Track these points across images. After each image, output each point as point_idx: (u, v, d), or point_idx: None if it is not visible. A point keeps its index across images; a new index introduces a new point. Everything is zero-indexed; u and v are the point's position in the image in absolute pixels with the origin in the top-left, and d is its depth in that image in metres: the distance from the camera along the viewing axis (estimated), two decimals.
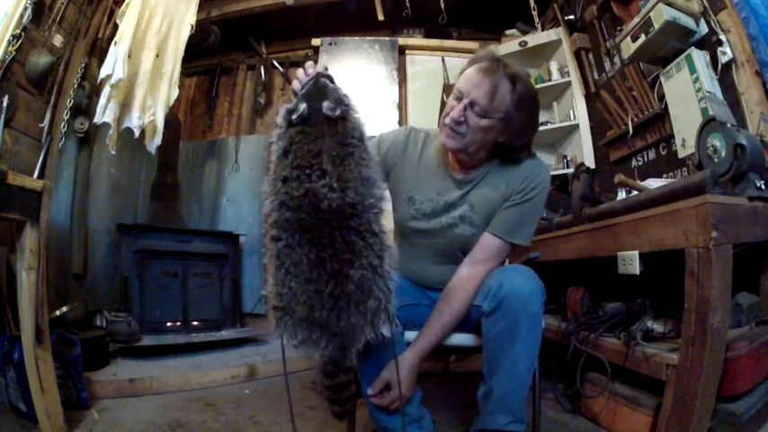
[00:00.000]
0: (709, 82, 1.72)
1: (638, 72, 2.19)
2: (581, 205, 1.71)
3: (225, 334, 2.71)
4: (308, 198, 0.82)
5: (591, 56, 2.71)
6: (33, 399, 1.30)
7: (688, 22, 1.79)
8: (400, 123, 3.22)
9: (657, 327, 1.33)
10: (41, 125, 1.70)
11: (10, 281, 1.56)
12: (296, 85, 0.92)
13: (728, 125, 1.32)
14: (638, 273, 1.28)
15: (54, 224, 2.33)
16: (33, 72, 1.66)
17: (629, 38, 1.96)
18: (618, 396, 1.36)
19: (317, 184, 0.82)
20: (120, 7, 2.10)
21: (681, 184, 1.26)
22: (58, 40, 1.78)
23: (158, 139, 2.29)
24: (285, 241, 0.84)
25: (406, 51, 3.39)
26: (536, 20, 3.05)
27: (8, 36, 1.53)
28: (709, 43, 1.77)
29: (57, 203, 2.46)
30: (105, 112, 2.01)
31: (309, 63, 0.93)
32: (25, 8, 1.58)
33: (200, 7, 2.58)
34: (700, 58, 1.76)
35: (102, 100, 2.01)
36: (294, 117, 0.86)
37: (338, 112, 0.86)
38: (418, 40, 3.46)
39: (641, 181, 1.73)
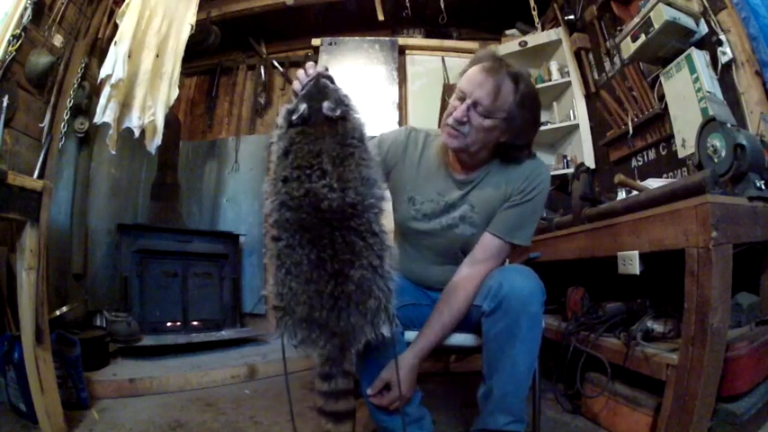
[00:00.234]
0: (709, 82, 1.72)
1: (638, 72, 2.19)
2: (581, 205, 1.71)
3: (225, 334, 2.71)
4: (308, 198, 0.82)
5: (591, 56, 2.71)
6: (33, 399, 1.30)
7: (688, 22, 1.79)
8: (400, 123, 3.22)
9: (657, 327, 1.33)
10: (41, 125, 1.70)
11: (10, 281, 1.56)
12: (296, 85, 0.92)
13: (728, 125, 1.32)
14: (638, 273, 1.28)
15: (54, 224, 2.33)
16: (33, 72, 1.66)
17: (629, 38, 1.96)
18: (618, 396, 1.36)
19: (318, 184, 0.82)
20: (120, 7, 2.10)
21: (681, 184, 1.26)
22: (58, 40, 1.78)
23: (158, 139, 2.29)
24: (286, 241, 0.84)
25: (406, 51, 3.39)
26: (536, 20, 3.05)
27: (8, 36, 1.53)
28: (709, 43, 1.77)
29: (57, 203, 2.46)
30: (105, 112, 2.01)
31: (310, 64, 0.93)
32: (25, 8, 1.58)
33: (201, 7, 2.58)
34: (700, 58, 1.76)
35: (102, 100, 2.01)
36: (294, 117, 0.86)
37: (338, 112, 0.86)
38: (418, 40, 3.46)
39: (641, 181, 1.73)
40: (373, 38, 3.36)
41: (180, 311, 2.71)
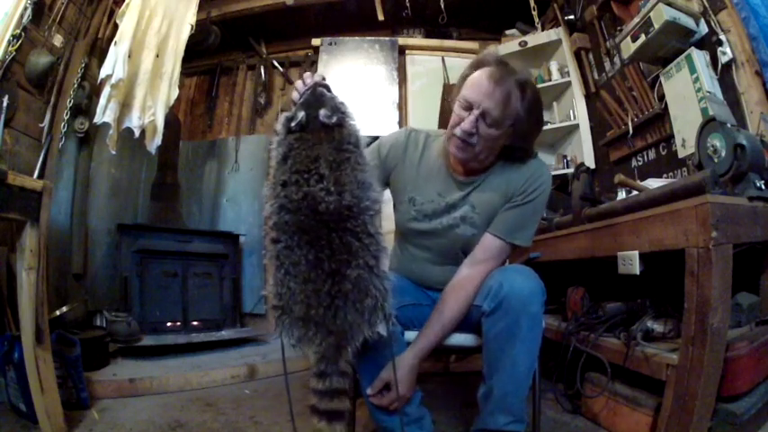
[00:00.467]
0: (709, 82, 1.72)
1: (638, 72, 2.19)
2: (581, 205, 1.71)
3: (225, 334, 2.72)
4: (306, 201, 0.86)
5: (591, 56, 2.71)
6: (33, 399, 1.30)
7: (688, 22, 1.79)
8: (400, 123, 3.22)
9: (657, 327, 1.33)
10: (41, 125, 1.70)
11: (10, 281, 1.56)
12: (294, 95, 0.96)
13: (728, 125, 1.32)
14: (638, 273, 1.28)
15: (54, 224, 2.33)
16: (33, 72, 1.66)
17: (629, 38, 1.96)
18: (618, 396, 1.36)
19: (315, 187, 0.86)
20: (120, 7, 2.10)
21: (681, 184, 1.26)
22: (58, 40, 1.78)
23: (158, 139, 2.29)
24: (284, 243, 0.87)
25: (406, 51, 3.38)
26: (536, 20, 3.05)
27: (8, 36, 1.53)
28: (709, 43, 1.77)
29: (57, 203, 2.46)
30: (105, 112, 2.01)
31: (307, 74, 0.97)
32: (25, 8, 1.58)
33: (201, 7, 2.58)
34: (700, 58, 1.76)
35: (102, 100, 2.01)
36: (293, 124, 0.90)
37: (335, 119, 0.90)
38: (418, 40, 3.46)
39: (641, 181, 1.73)
40: (373, 38, 3.36)
41: (180, 311, 2.71)
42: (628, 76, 2.25)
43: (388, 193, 1.26)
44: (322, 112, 0.89)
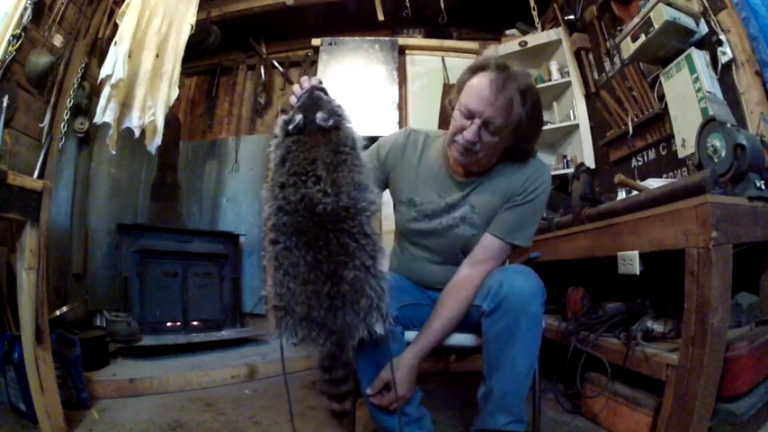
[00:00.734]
0: (709, 82, 1.72)
1: (638, 72, 2.18)
2: (581, 205, 1.71)
3: (225, 334, 2.71)
4: (304, 203, 0.87)
5: (591, 56, 2.71)
6: (33, 399, 1.30)
7: (688, 22, 1.79)
8: (400, 123, 3.21)
9: (657, 327, 1.33)
10: (41, 125, 1.70)
11: (10, 281, 1.56)
12: (292, 99, 0.98)
13: (728, 125, 1.32)
14: (638, 273, 1.28)
15: (54, 224, 2.33)
16: (33, 72, 1.66)
17: (629, 38, 1.96)
18: (618, 396, 1.36)
19: (313, 189, 0.87)
20: (120, 7, 2.10)
21: (681, 184, 1.26)
22: (58, 40, 1.78)
23: (158, 139, 2.29)
24: (283, 244, 0.88)
25: (406, 51, 3.38)
26: (536, 20, 3.04)
27: (8, 36, 1.53)
28: (709, 43, 1.77)
29: (57, 203, 2.46)
30: (105, 112, 2.01)
31: (305, 78, 0.99)
32: (25, 8, 1.58)
33: (201, 7, 2.57)
34: (700, 58, 1.76)
35: (102, 100, 2.01)
36: (291, 127, 0.92)
37: (331, 122, 0.91)
38: (418, 40, 3.46)
39: (641, 181, 1.73)
40: (373, 38, 3.36)
41: (180, 311, 2.71)
42: (628, 76, 2.25)
43: (388, 194, 1.26)
44: (319, 115, 0.91)
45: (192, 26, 2.44)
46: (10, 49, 1.54)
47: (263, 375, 2.18)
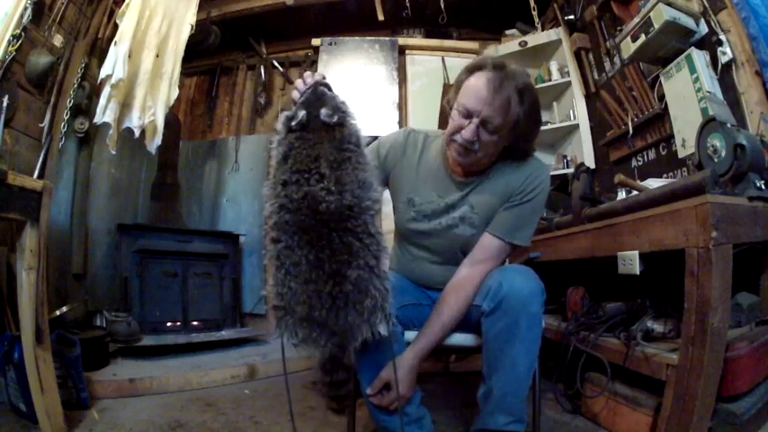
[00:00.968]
0: (709, 82, 1.72)
1: (638, 72, 2.19)
2: (581, 205, 1.71)
3: (225, 334, 2.71)
4: (306, 201, 0.85)
5: (591, 56, 2.71)
6: (33, 399, 1.30)
7: (688, 22, 1.79)
8: (400, 123, 3.22)
9: (657, 327, 1.33)
10: (41, 125, 1.71)
11: (10, 281, 1.56)
12: (295, 94, 0.96)
13: (728, 125, 1.32)
14: (638, 273, 1.28)
15: (54, 224, 2.33)
16: (33, 72, 1.66)
17: (629, 38, 1.96)
18: (618, 396, 1.36)
19: (316, 187, 0.85)
20: (120, 7, 2.10)
21: (681, 184, 1.26)
22: (58, 40, 1.78)
23: (158, 139, 2.29)
24: (285, 243, 0.86)
25: (406, 51, 3.38)
26: (536, 20, 3.05)
27: (8, 36, 1.54)
28: (710, 43, 1.77)
29: (57, 203, 2.46)
30: (105, 112, 2.01)
31: (308, 73, 0.97)
32: (25, 8, 1.58)
33: (201, 7, 2.58)
34: (700, 58, 1.76)
35: (102, 100, 2.01)
36: (293, 124, 0.90)
37: (335, 118, 0.89)
38: (418, 40, 3.46)
39: (641, 181, 1.73)
40: (373, 38, 3.36)
41: (180, 311, 2.71)
42: (628, 76, 2.25)
43: (387, 194, 1.26)
44: (323, 111, 0.89)
45: (192, 26, 2.44)
46: (10, 49, 1.54)
47: (263, 375, 2.18)
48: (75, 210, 2.65)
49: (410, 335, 1.11)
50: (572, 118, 2.79)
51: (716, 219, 1.05)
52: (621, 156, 2.39)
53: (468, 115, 1.04)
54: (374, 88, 3.22)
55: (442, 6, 3.16)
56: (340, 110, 0.91)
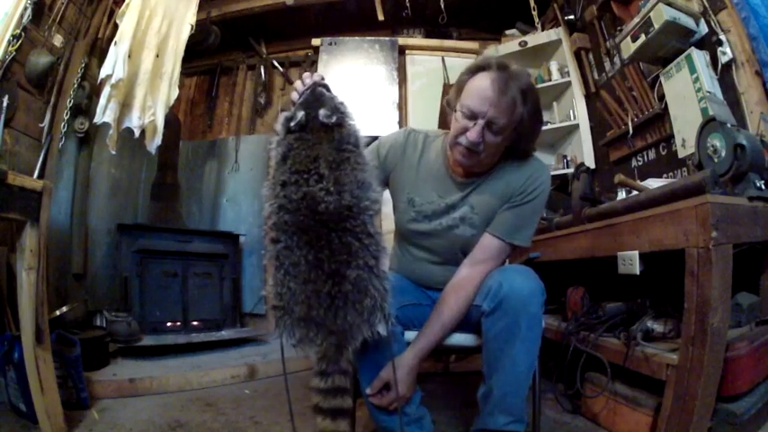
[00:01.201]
0: (709, 82, 1.72)
1: (638, 72, 2.18)
2: (581, 205, 1.71)
3: (225, 334, 2.72)
4: (305, 201, 0.86)
5: (591, 56, 2.70)
6: (33, 399, 1.30)
7: (688, 22, 1.79)
8: (400, 123, 3.22)
9: (657, 327, 1.33)
10: (41, 125, 1.71)
11: (10, 281, 1.56)
12: (294, 95, 0.96)
13: (728, 125, 1.32)
14: (638, 273, 1.28)
15: (54, 224, 2.33)
16: (33, 72, 1.66)
17: (629, 38, 1.96)
18: (618, 396, 1.36)
19: (315, 187, 0.86)
20: (120, 7, 2.10)
21: (681, 184, 1.26)
22: (58, 40, 1.78)
23: (158, 139, 2.29)
24: (284, 243, 0.87)
25: (406, 51, 3.38)
26: (536, 20, 3.04)
27: (8, 36, 1.54)
28: (709, 43, 1.77)
29: (57, 203, 2.46)
30: (105, 112, 2.01)
31: (307, 74, 0.97)
32: (25, 8, 1.58)
33: (201, 7, 2.58)
34: (700, 58, 1.76)
35: (102, 100, 2.01)
36: (292, 124, 0.90)
37: (334, 119, 0.90)
38: (418, 40, 3.46)
39: (641, 181, 1.73)
40: (373, 38, 3.36)
41: (180, 311, 2.71)
42: (628, 76, 2.25)
43: (387, 194, 1.26)
44: (321, 111, 0.89)
45: (192, 26, 2.44)
46: (10, 49, 1.54)
47: (263, 375, 2.18)
48: (75, 210, 2.65)
49: (410, 335, 1.11)
50: (572, 118, 2.79)
51: (716, 219, 1.05)
52: (621, 156, 2.39)
53: (472, 116, 1.04)
54: (374, 88, 3.22)
55: (442, 6, 3.16)
56: (338, 110, 0.91)
